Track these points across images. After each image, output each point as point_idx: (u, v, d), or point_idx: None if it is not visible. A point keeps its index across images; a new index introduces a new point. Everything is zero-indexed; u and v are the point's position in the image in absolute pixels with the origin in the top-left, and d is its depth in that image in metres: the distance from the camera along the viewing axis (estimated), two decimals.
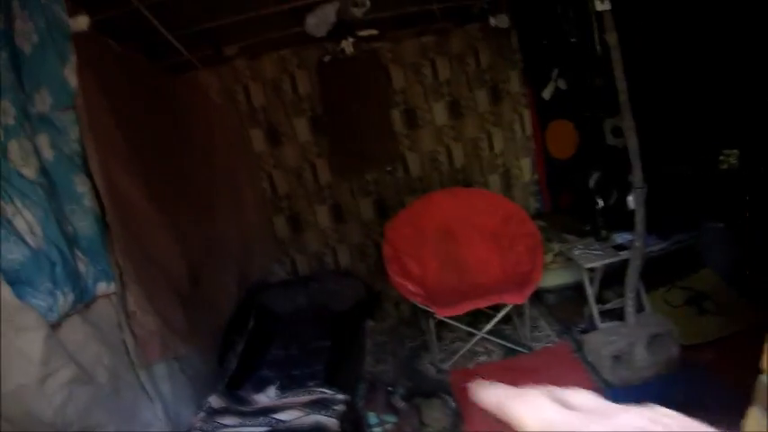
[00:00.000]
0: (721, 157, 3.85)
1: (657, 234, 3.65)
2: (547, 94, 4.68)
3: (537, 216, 4.57)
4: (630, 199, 3.19)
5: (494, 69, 4.69)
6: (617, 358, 3.24)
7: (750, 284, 3.63)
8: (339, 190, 4.79)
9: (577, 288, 4.30)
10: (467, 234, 4.20)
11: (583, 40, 3.03)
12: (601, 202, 3.56)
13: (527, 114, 4.86)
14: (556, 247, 4.30)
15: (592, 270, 3.54)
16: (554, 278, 4.20)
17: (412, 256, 4.05)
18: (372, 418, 2.64)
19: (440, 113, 4.71)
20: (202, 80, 4.25)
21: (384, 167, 4.74)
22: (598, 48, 2.90)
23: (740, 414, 2.66)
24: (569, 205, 4.95)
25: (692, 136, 3.87)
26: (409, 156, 4.78)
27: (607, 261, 3.40)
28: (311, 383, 3.06)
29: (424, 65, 4.57)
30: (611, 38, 2.82)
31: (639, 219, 3.11)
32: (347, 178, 4.75)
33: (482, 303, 3.64)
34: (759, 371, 1.65)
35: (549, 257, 4.13)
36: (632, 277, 3.21)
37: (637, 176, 3.04)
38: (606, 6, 2.74)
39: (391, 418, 2.63)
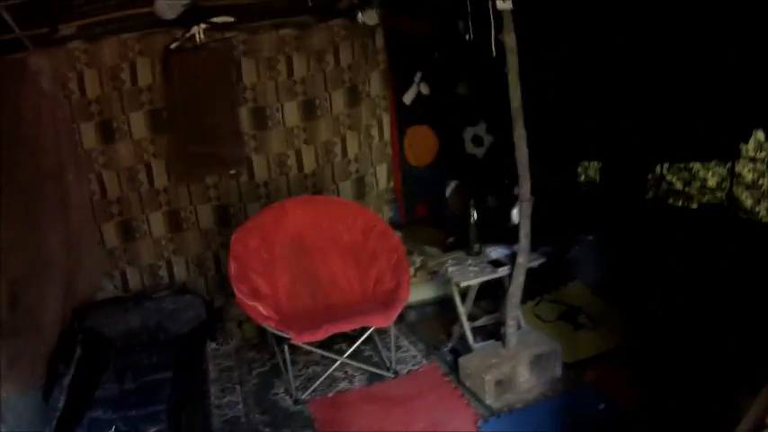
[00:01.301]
0: (579, 169, 3.88)
1: None
2: (408, 98, 4.47)
3: (392, 227, 4.29)
4: (515, 212, 3.00)
5: (354, 69, 4.37)
6: (499, 382, 3.03)
7: (619, 295, 3.66)
8: (176, 195, 4.22)
9: (440, 303, 4.11)
10: (322, 248, 3.82)
11: (479, 40, 2.79)
12: (475, 215, 3.34)
13: (386, 118, 4.60)
14: (417, 260, 4.08)
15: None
16: (415, 294, 3.92)
17: (261, 273, 3.56)
18: None
19: (292, 114, 4.30)
20: (32, 64, 3.53)
21: (228, 171, 4.19)
22: (493, 49, 2.66)
23: None
24: (426, 215, 4.78)
25: (555, 147, 3.85)
26: (255, 158, 4.34)
27: (486, 278, 3.19)
28: (153, 430, 2.67)
29: (279, 60, 4.14)
30: (509, 39, 2.60)
31: (525, 233, 2.93)
32: (186, 182, 4.16)
33: (346, 326, 3.28)
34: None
35: (410, 271, 3.85)
36: (515, 296, 3.03)
37: (524, 188, 2.86)
38: (507, 6, 2.51)
39: None
